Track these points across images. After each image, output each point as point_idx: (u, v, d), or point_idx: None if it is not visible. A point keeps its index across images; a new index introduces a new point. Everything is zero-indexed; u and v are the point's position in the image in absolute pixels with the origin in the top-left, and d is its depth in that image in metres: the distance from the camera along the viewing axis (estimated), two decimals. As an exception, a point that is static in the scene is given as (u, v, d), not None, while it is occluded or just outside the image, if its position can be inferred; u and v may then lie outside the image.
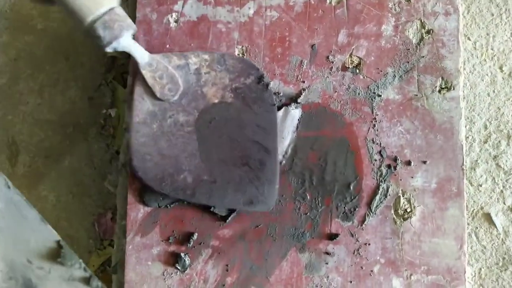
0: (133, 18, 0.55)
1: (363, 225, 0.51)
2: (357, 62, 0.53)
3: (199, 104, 0.49)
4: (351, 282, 0.50)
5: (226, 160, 0.48)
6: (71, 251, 0.42)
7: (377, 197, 0.51)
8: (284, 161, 0.52)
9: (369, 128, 0.52)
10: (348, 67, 0.53)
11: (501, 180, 0.56)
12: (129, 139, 0.48)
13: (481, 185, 0.57)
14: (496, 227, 0.56)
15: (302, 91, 0.53)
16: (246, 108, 0.48)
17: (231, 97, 0.49)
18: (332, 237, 0.51)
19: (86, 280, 0.42)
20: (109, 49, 0.44)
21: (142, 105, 0.48)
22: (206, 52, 0.50)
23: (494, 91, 0.58)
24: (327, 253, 0.51)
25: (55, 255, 0.41)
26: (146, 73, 0.47)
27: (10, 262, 0.41)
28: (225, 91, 0.49)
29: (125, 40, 0.45)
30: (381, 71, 0.53)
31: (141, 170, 0.48)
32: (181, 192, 0.48)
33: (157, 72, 0.48)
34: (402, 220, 0.51)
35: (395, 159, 0.51)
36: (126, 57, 0.49)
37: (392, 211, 0.51)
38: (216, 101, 0.48)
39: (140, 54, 0.47)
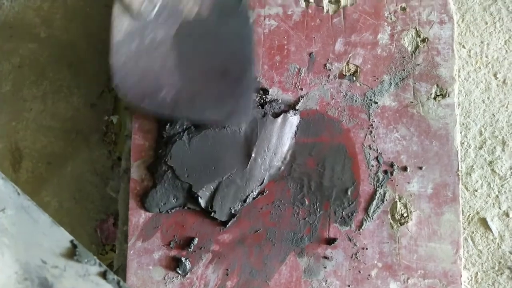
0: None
1: (361, 230, 0.52)
2: (354, 70, 0.54)
3: (176, 21, 0.49)
4: (349, 286, 0.51)
5: (205, 74, 0.49)
6: (85, 249, 0.43)
7: (374, 202, 0.52)
8: (283, 167, 0.53)
9: (366, 134, 0.53)
10: (345, 75, 0.54)
11: (496, 185, 0.57)
12: (109, 60, 0.48)
13: (476, 190, 0.57)
14: (492, 231, 0.57)
15: (300, 98, 0.54)
16: (222, 21, 0.49)
17: (208, 10, 0.49)
18: (330, 241, 0.52)
19: (102, 274, 0.42)
20: None
21: (121, 25, 0.48)
22: None
23: (488, 98, 0.59)
24: (326, 257, 0.51)
25: (70, 254, 0.42)
26: None
27: (24, 264, 0.42)
28: (200, 6, 0.49)
29: None
30: (377, 78, 0.54)
31: (123, 89, 0.49)
32: (162, 108, 0.48)
33: None
34: (399, 224, 0.52)
35: (392, 165, 0.52)
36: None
37: (389, 216, 0.52)
38: (193, 17, 0.49)
39: None
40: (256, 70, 0.49)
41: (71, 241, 0.43)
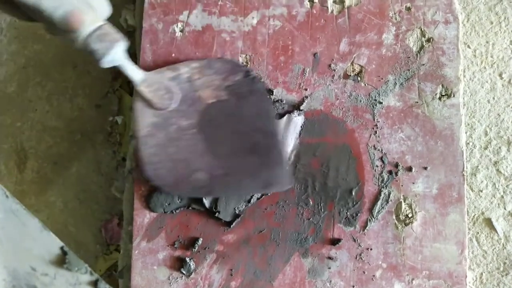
0: (140, 28, 0.56)
1: (365, 230, 0.52)
2: (358, 70, 0.54)
3: (197, 107, 0.51)
4: (353, 286, 0.51)
5: (234, 152, 0.51)
6: (76, 257, 0.42)
7: (379, 203, 0.52)
8: (287, 167, 0.53)
9: (370, 134, 0.53)
10: (350, 75, 0.54)
11: (501, 185, 0.57)
12: (138, 152, 0.51)
13: (481, 191, 0.57)
14: (497, 232, 0.56)
15: (304, 98, 0.54)
16: (242, 101, 0.51)
17: (225, 95, 0.51)
18: (335, 242, 0.52)
19: (93, 284, 0.42)
20: (105, 63, 0.47)
21: (144, 119, 0.51)
22: (194, 61, 0.53)
23: (494, 98, 0.58)
24: (330, 258, 0.51)
25: (60, 261, 0.42)
26: (142, 89, 0.50)
27: (13, 270, 0.41)
28: (219, 91, 0.52)
29: (119, 54, 0.47)
30: (382, 78, 0.53)
31: (156, 178, 0.50)
32: (198, 191, 0.51)
33: (153, 86, 0.51)
34: (404, 225, 0.51)
35: (396, 165, 0.52)
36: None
37: (394, 217, 0.52)
38: (213, 101, 0.51)
39: (134, 72, 0.50)
40: (282, 141, 0.52)
41: (61, 248, 0.42)
